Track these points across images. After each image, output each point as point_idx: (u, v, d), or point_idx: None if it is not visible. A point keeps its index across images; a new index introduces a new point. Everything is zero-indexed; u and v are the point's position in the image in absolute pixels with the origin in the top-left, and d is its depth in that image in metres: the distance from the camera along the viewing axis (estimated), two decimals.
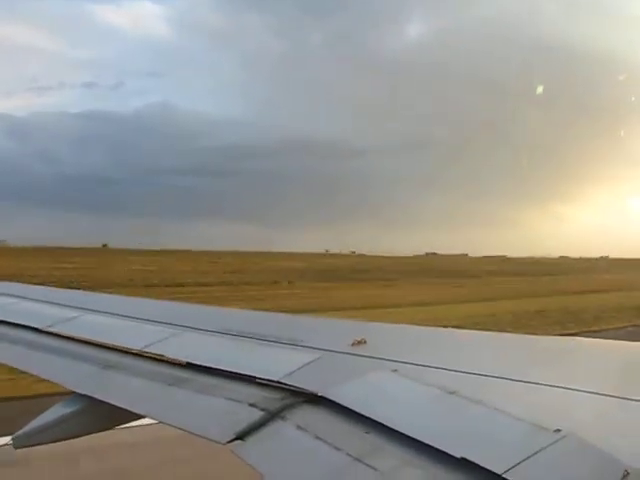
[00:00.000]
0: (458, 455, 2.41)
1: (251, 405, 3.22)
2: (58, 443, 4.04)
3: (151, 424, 3.72)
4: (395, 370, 3.31)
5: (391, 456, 2.59)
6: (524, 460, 2.30)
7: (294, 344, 3.99)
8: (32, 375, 4.90)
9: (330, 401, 3.07)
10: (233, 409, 3.27)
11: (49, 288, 7.46)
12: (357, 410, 2.91)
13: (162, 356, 4.14)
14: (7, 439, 4.44)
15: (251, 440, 2.94)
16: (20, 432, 3.99)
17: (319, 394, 3.15)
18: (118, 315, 5.43)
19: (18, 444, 3.99)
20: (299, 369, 3.50)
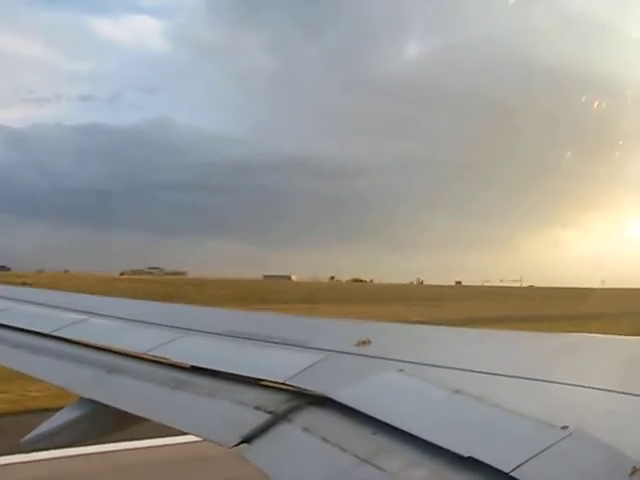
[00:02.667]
0: (465, 454, 2.40)
1: (257, 408, 3.22)
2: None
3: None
4: (401, 370, 3.30)
5: (398, 457, 2.58)
6: (532, 458, 2.29)
7: (298, 345, 3.98)
8: None
9: (336, 402, 3.06)
10: (239, 412, 3.27)
11: (48, 291, 7.45)
12: (363, 411, 2.90)
13: (166, 359, 4.14)
14: None
15: (258, 443, 2.94)
16: (28, 437, 4.01)
17: (325, 395, 3.14)
18: (121, 318, 5.43)
19: (27, 447, 4.03)
20: (304, 370, 3.49)
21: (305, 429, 2.96)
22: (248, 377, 3.60)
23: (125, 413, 3.83)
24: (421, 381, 3.16)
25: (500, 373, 3.17)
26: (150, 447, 12.74)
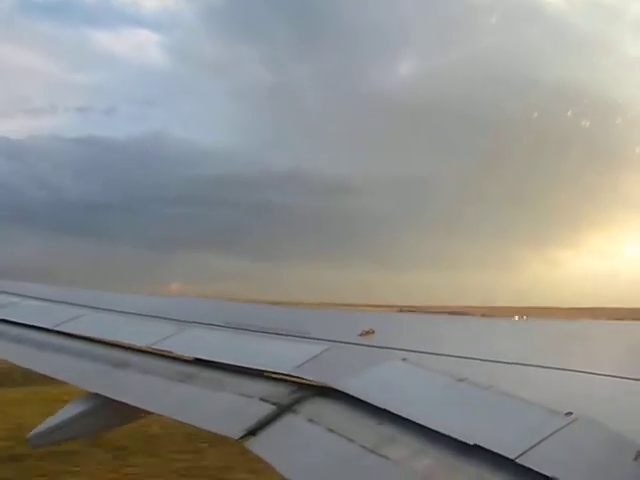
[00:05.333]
0: (471, 442, 2.42)
1: (262, 399, 3.23)
2: None
3: None
4: (405, 359, 3.31)
5: (404, 446, 2.60)
6: (537, 444, 2.31)
7: (302, 336, 3.99)
8: None
9: (341, 392, 3.07)
10: (244, 404, 3.28)
11: (49, 286, 7.43)
12: (368, 401, 2.91)
13: (170, 352, 4.15)
14: None
15: (263, 434, 2.95)
16: (34, 432, 4.02)
17: (329, 386, 3.15)
18: (124, 312, 5.43)
19: (34, 443, 4.02)
20: (308, 361, 3.50)
21: (310, 420, 2.98)
22: (252, 369, 3.61)
23: (130, 407, 3.84)
24: (425, 370, 3.17)
25: (504, 360, 3.18)
26: None
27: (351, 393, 3.02)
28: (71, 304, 5.87)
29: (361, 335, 3.81)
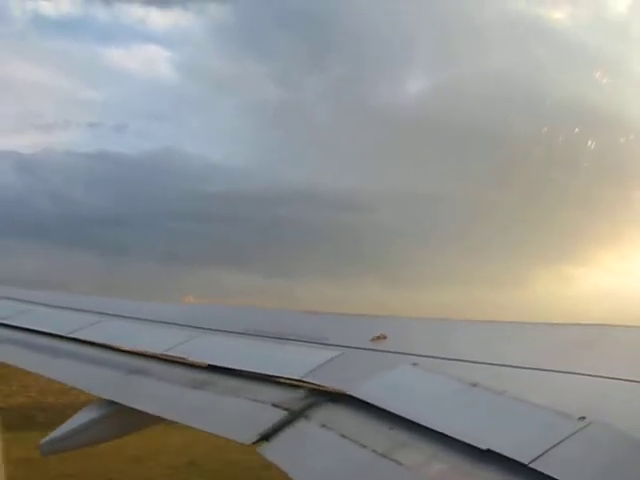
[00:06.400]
0: (483, 447, 2.41)
1: (274, 405, 3.24)
2: None
3: None
4: (416, 364, 3.31)
5: (416, 451, 2.60)
6: (550, 449, 2.30)
7: (314, 342, 3.99)
8: None
9: (353, 398, 3.07)
10: (257, 410, 3.29)
11: (63, 294, 7.46)
12: (380, 406, 2.92)
13: (184, 359, 4.16)
14: None
15: (276, 440, 2.96)
16: (47, 439, 4.04)
17: (341, 391, 3.16)
18: (137, 319, 5.46)
19: (46, 450, 4.04)
20: (320, 367, 3.51)
21: (323, 425, 2.98)
22: (265, 375, 3.62)
23: (144, 413, 3.86)
24: (437, 375, 3.17)
25: (516, 365, 3.17)
26: None
27: (363, 398, 3.03)
28: (85, 311, 5.90)
29: (372, 340, 3.81)
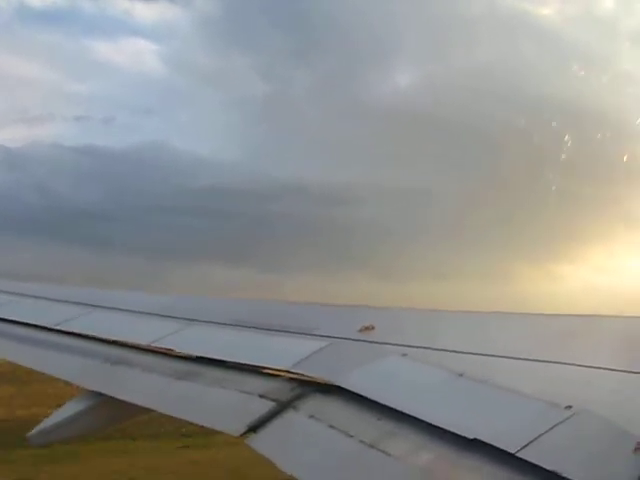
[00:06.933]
0: (470, 436, 2.42)
1: (262, 396, 3.23)
2: None
3: None
4: (405, 354, 3.32)
5: (404, 441, 2.61)
6: (537, 438, 2.31)
7: (302, 332, 3.99)
8: None
9: (341, 388, 3.08)
10: (244, 401, 3.28)
11: (49, 285, 7.40)
12: (368, 396, 2.92)
13: (171, 350, 4.15)
14: None
15: (264, 431, 2.96)
16: (35, 430, 4.03)
17: (329, 382, 3.16)
18: (124, 310, 5.43)
19: (35, 442, 4.03)
20: (308, 357, 3.51)
21: (311, 416, 2.98)
22: (253, 365, 3.61)
23: (131, 405, 3.85)
24: (425, 365, 3.18)
25: (503, 355, 3.18)
26: None
27: (351, 389, 3.03)
28: (72, 303, 5.86)
29: (361, 331, 3.81)
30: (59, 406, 4.22)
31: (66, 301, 6.03)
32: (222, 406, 3.38)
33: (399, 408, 2.76)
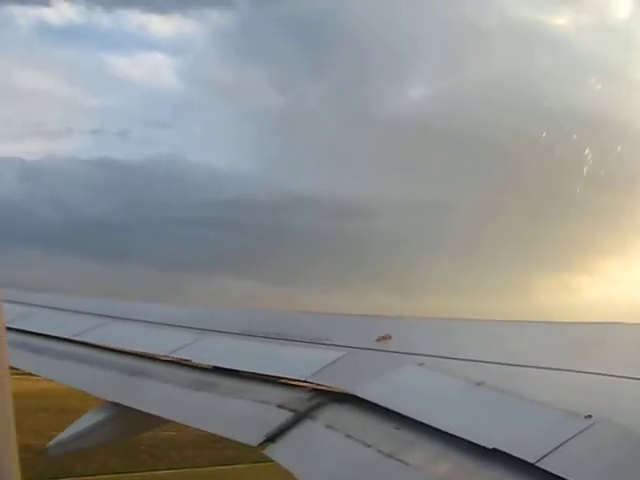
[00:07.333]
0: (489, 446, 2.41)
1: (279, 406, 3.23)
2: None
3: None
4: (422, 364, 3.31)
5: (422, 450, 2.59)
6: (556, 448, 2.29)
7: (319, 342, 3.99)
8: None
9: (358, 398, 3.07)
10: (262, 411, 3.28)
11: (68, 297, 7.45)
12: (386, 406, 2.91)
13: (188, 361, 4.16)
14: None
15: (282, 441, 2.96)
16: (54, 441, 4.05)
17: (347, 392, 3.15)
18: (141, 322, 5.46)
19: (53, 452, 4.05)
20: (325, 367, 3.50)
21: (329, 426, 2.98)
22: (270, 376, 3.62)
23: (149, 415, 3.87)
24: (442, 374, 3.16)
25: (521, 364, 3.17)
26: None
27: (369, 399, 3.02)
28: (89, 314, 5.90)
29: (378, 341, 3.81)
30: None
31: (83, 312, 6.07)
32: (240, 416, 3.39)
33: (417, 417, 2.75)
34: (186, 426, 3.78)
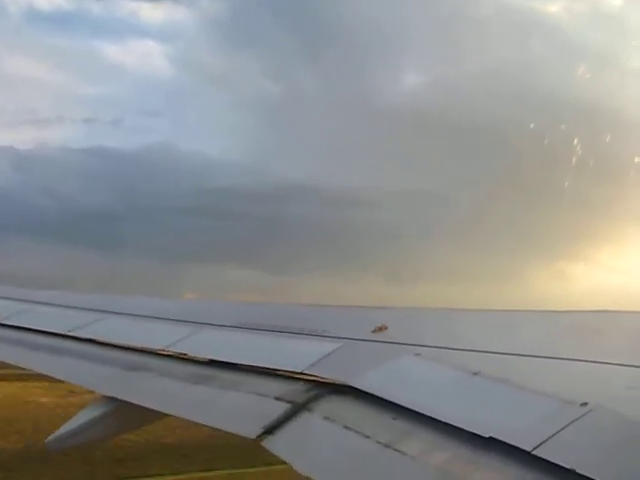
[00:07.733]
0: (486, 435, 2.42)
1: (277, 398, 3.24)
2: None
3: None
4: (418, 354, 3.32)
5: (419, 440, 2.61)
6: (552, 436, 2.31)
7: (315, 334, 4.00)
8: None
9: (355, 389, 3.08)
10: (259, 403, 3.30)
11: (62, 292, 7.44)
12: (383, 396, 2.92)
13: (184, 354, 4.17)
14: None
15: (280, 433, 2.97)
16: (52, 436, 4.05)
17: (344, 383, 3.16)
18: (137, 315, 5.46)
19: (51, 447, 4.06)
20: (322, 359, 3.51)
21: (326, 417, 2.99)
22: (267, 368, 3.62)
23: (146, 409, 3.87)
24: (439, 364, 3.18)
25: (517, 353, 3.18)
26: None
27: (366, 390, 3.03)
28: (84, 309, 5.90)
29: (374, 332, 3.81)
30: None
31: (78, 307, 6.07)
32: (237, 409, 3.40)
33: (414, 408, 2.76)
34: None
